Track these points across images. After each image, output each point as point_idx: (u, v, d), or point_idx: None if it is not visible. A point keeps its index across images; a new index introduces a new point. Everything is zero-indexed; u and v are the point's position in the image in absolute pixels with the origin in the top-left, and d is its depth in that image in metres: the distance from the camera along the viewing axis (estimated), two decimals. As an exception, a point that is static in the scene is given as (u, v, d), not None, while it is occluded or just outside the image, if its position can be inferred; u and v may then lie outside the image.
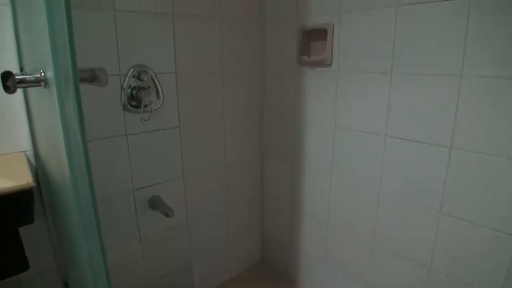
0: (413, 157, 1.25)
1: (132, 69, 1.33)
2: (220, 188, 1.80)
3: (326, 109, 1.52)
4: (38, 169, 1.21)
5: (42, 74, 0.63)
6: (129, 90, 1.34)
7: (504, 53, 0.98)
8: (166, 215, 1.41)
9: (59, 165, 0.72)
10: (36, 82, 0.64)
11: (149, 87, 1.36)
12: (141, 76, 1.35)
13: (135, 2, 1.31)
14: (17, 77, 0.62)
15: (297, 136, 1.70)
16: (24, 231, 1.00)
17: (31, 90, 1.01)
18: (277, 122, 1.81)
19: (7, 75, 0.61)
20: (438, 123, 1.16)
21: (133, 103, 1.35)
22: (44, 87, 0.64)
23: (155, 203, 1.48)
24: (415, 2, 1.16)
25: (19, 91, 1.04)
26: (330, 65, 1.46)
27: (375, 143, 1.36)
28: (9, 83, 0.61)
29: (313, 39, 1.55)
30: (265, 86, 1.83)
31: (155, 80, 1.39)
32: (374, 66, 1.31)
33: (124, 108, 1.34)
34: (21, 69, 1.15)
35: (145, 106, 1.34)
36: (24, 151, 1.20)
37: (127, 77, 1.32)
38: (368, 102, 1.35)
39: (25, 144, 1.21)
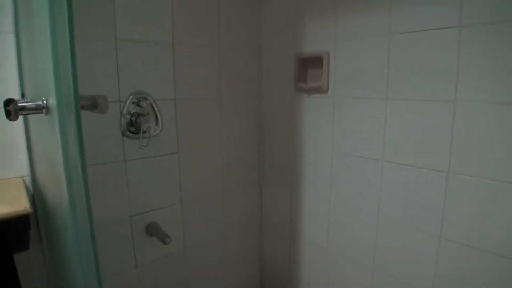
0: (411, 182, 1.25)
1: (131, 96, 1.35)
2: (218, 214, 1.79)
3: (323, 134, 1.54)
4: (35, 195, 1.20)
5: (44, 101, 0.64)
6: (129, 117, 1.36)
7: (496, 79, 1.01)
8: (164, 242, 1.40)
9: (57, 191, 0.72)
10: (38, 109, 0.65)
11: (148, 113, 1.38)
12: (141, 102, 1.36)
13: (136, 31, 1.35)
14: (19, 104, 0.63)
15: (295, 161, 1.71)
16: (19, 258, 0.99)
17: (32, 116, 1.02)
18: (275, 148, 1.82)
19: (10, 102, 0.62)
20: (435, 148, 1.17)
21: (132, 129, 1.37)
22: (46, 114, 0.65)
23: (152, 230, 1.46)
24: (407, 31, 1.20)
25: (20, 117, 1.06)
26: (326, 91, 1.49)
27: (373, 168, 1.37)
28: (11, 110, 0.62)
29: (310, 66, 1.58)
30: (263, 112, 1.85)
31: (154, 106, 1.41)
32: (369, 92, 1.34)
33: (123, 134, 1.35)
34: (22, 95, 1.16)
35: (144, 132, 1.35)
36: (22, 177, 1.20)
37: (127, 104, 1.34)
38: (365, 127, 1.37)
39: (23, 169, 1.21)
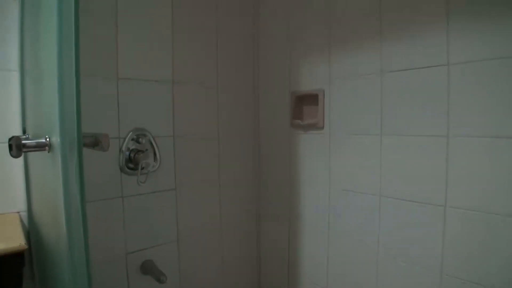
0: (409, 217, 1.25)
1: (131, 133, 1.37)
2: (216, 251, 1.76)
3: (320, 170, 1.55)
4: (31, 231, 1.19)
5: (48, 139, 0.66)
6: (127, 153, 1.37)
7: (487, 114, 1.04)
8: (159, 280, 1.37)
9: (55, 228, 0.72)
10: (41, 147, 0.66)
11: (147, 150, 1.40)
12: (140, 139, 1.39)
13: (137, 71, 1.40)
14: (23, 141, 0.65)
15: (293, 197, 1.71)
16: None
17: (33, 153, 1.03)
18: (273, 183, 1.83)
19: (14, 139, 0.64)
20: (431, 182, 1.19)
21: (131, 165, 1.38)
22: (48, 151, 0.66)
23: (147, 268, 1.43)
24: (398, 70, 1.25)
25: (20, 153, 1.07)
26: (322, 128, 1.52)
27: (371, 203, 1.37)
28: (15, 148, 0.64)
29: (306, 103, 1.63)
30: (261, 148, 1.87)
31: (153, 143, 1.43)
32: (364, 128, 1.37)
33: (122, 170, 1.36)
34: (24, 131, 1.19)
35: (142, 168, 1.36)
36: (18, 212, 1.20)
37: (126, 140, 1.36)
38: (361, 163, 1.39)
39: (20, 205, 1.21)
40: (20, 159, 1.19)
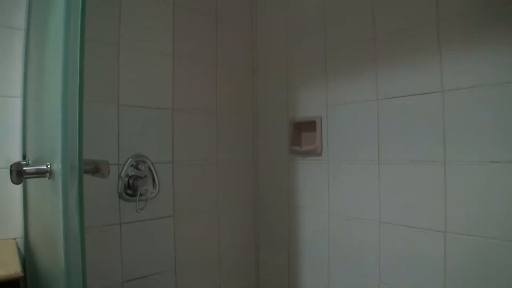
0: (410, 243, 1.24)
1: (130, 159, 1.38)
2: (214, 280, 1.73)
3: (319, 197, 1.55)
4: (27, 258, 1.18)
5: (49, 166, 0.66)
6: (126, 179, 1.37)
7: (482, 139, 1.06)
8: (155, 310, 1.34)
9: (52, 255, 0.71)
10: (41, 173, 0.67)
11: (146, 176, 1.40)
12: (139, 165, 1.39)
13: (138, 97, 1.42)
14: (24, 168, 0.66)
15: (292, 224, 1.70)
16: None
17: (32, 179, 1.03)
18: (271, 211, 1.82)
19: (16, 166, 0.65)
20: (430, 208, 1.18)
21: (129, 191, 1.38)
22: (49, 178, 0.67)
23: (144, 297, 1.41)
24: (394, 96, 1.28)
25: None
26: (320, 154, 1.53)
27: (370, 230, 1.36)
28: (16, 175, 0.65)
29: (304, 130, 1.64)
30: (259, 175, 1.88)
31: (152, 169, 1.44)
32: (362, 154, 1.38)
33: (120, 197, 1.36)
34: (24, 156, 1.19)
35: (141, 195, 1.36)
36: (14, 238, 1.19)
37: (125, 166, 1.37)
38: (360, 189, 1.39)
39: (17, 231, 1.19)
40: (19, 186, 1.19)
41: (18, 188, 1.20)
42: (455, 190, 1.12)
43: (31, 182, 1.07)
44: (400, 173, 1.26)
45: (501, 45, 1.03)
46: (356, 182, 1.40)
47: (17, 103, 1.22)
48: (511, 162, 1.00)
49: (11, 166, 0.65)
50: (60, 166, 0.58)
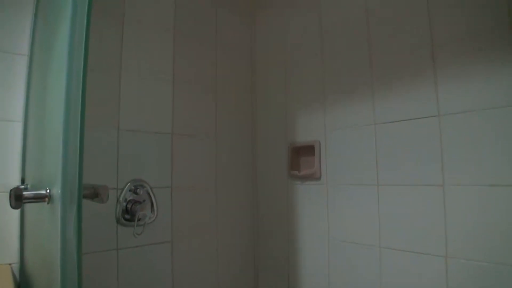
0: (411, 268, 1.23)
1: (129, 183, 1.38)
2: (211, 308, 1.69)
3: (319, 221, 1.54)
4: (22, 284, 1.15)
5: (48, 190, 0.66)
6: (124, 204, 1.37)
7: (480, 162, 1.07)
8: None
9: (48, 281, 0.70)
10: (40, 198, 0.67)
11: (144, 200, 1.39)
12: (138, 190, 1.39)
13: (138, 122, 1.44)
14: (24, 192, 0.66)
15: (291, 250, 1.67)
16: None
17: (30, 204, 1.03)
18: (270, 235, 1.80)
19: (15, 191, 0.65)
20: (430, 232, 1.18)
21: (127, 216, 1.36)
22: (48, 203, 0.67)
23: (140, 326, 1.37)
24: (391, 121, 1.29)
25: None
26: (319, 179, 1.53)
27: (371, 255, 1.34)
28: (15, 199, 0.64)
29: (302, 154, 1.65)
30: (258, 199, 1.87)
31: (151, 194, 1.43)
32: (360, 178, 1.38)
33: (118, 222, 1.35)
34: (23, 180, 1.19)
35: (139, 220, 1.35)
36: (10, 264, 1.16)
37: (124, 191, 1.36)
38: (359, 213, 1.38)
39: (13, 256, 1.17)
40: (16, 211, 1.18)
41: (15, 212, 1.19)
42: (455, 214, 1.12)
43: (29, 207, 1.07)
44: (399, 197, 1.26)
45: (495, 69, 1.05)
46: (356, 206, 1.40)
47: (18, 127, 1.23)
48: (510, 186, 1.01)
49: (10, 190, 0.65)
50: (59, 191, 0.59)
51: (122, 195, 1.36)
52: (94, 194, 0.71)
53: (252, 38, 1.96)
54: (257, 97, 1.92)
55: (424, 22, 1.22)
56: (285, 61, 1.76)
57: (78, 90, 0.61)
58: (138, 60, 1.47)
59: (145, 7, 1.52)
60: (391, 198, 1.29)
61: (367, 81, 1.38)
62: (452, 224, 1.13)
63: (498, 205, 1.03)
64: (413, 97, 1.24)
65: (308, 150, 1.59)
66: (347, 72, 1.46)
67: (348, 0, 1.49)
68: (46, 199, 0.66)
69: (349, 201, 1.42)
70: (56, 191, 0.62)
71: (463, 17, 1.13)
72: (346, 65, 1.47)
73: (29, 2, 1.27)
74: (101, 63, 1.35)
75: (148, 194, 1.43)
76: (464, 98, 1.11)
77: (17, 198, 0.65)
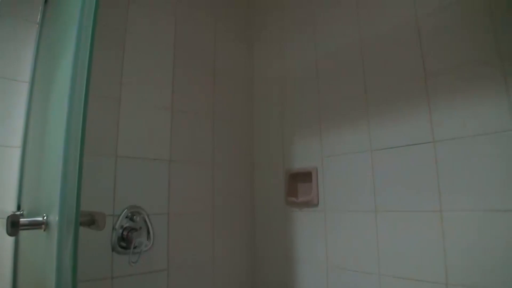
0: (410, 299, 1.21)
1: (125, 210, 1.37)
2: None
3: (317, 248, 1.52)
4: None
5: (45, 217, 0.66)
6: (120, 231, 1.35)
7: (476, 188, 1.07)
8: None
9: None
10: (37, 225, 0.66)
11: (140, 228, 1.38)
12: (134, 217, 1.38)
13: (136, 149, 1.44)
14: (21, 219, 0.65)
15: (290, 277, 1.64)
16: None
17: (25, 231, 1.02)
18: (268, 263, 1.77)
19: (13, 218, 0.64)
20: (430, 259, 1.16)
21: (123, 244, 1.35)
22: (44, 230, 0.66)
23: None
24: (387, 147, 1.31)
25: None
26: (317, 205, 1.53)
27: (370, 283, 1.32)
28: (12, 226, 0.64)
29: (300, 181, 1.65)
30: (256, 226, 1.85)
31: (147, 221, 1.42)
32: (358, 205, 1.38)
33: (113, 249, 1.33)
34: (18, 207, 1.18)
35: (135, 247, 1.33)
36: (2, 293, 1.14)
37: (120, 218, 1.35)
38: (358, 240, 1.37)
39: (6, 283, 1.15)
40: (11, 239, 1.17)
41: (9, 240, 1.17)
42: (454, 240, 1.11)
43: (23, 234, 1.06)
44: (398, 223, 1.26)
45: (486, 97, 1.08)
46: (354, 233, 1.39)
47: (16, 153, 1.24)
48: (508, 211, 1.01)
49: (7, 217, 0.65)
50: (57, 218, 0.59)
51: (118, 222, 1.35)
52: (91, 221, 0.71)
53: (250, 68, 2.01)
54: (254, 124, 1.94)
55: (417, 53, 1.26)
56: (282, 88, 1.80)
57: (79, 119, 0.62)
58: (137, 88, 1.50)
59: (146, 37, 1.57)
60: (389, 225, 1.29)
61: (362, 108, 1.41)
62: (452, 250, 1.12)
63: (496, 230, 1.03)
64: (408, 124, 1.26)
65: (306, 176, 1.60)
66: (342, 100, 1.49)
67: (342, 31, 1.54)
68: (43, 226, 0.66)
69: (348, 227, 1.42)
70: (53, 218, 0.62)
71: (453, 48, 1.17)
72: (341, 93, 1.50)
73: (32, 32, 1.31)
74: (101, 91, 1.38)
75: (145, 221, 1.41)
76: (457, 125, 1.13)
77: (14, 225, 0.64)
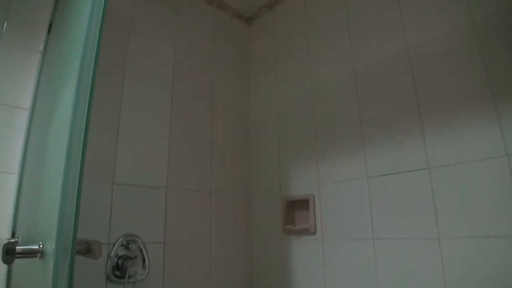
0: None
1: (121, 238, 1.35)
2: None
3: (315, 277, 1.50)
4: None
5: (41, 246, 0.66)
6: (115, 259, 1.33)
7: (473, 214, 1.08)
8: None
9: None
10: (33, 253, 0.66)
11: (136, 256, 1.36)
12: (130, 245, 1.36)
13: (133, 176, 1.44)
14: (17, 247, 0.65)
15: (287, 309, 1.61)
16: None
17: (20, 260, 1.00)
18: (265, 293, 1.74)
19: (8, 246, 0.64)
20: (429, 286, 1.15)
21: (118, 273, 1.32)
22: (39, 259, 0.65)
23: None
24: (383, 174, 1.32)
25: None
26: (314, 233, 1.52)
27: (368, 315, 1.30)
28: (7, 254, 0.63)
29: (297, 208, 1.65)
30: (253, 255, 1.82)
31: (143, 249, 1.40)
32: (356, 232, 1.37)
33: (107, 278, 1.30)
34: (13, 234, 1.16)
35: (130, 277, 1.30)
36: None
37: (116, 246, 1.33)
38: (356, 268, 1.35)
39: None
40: (4, 267, 1.14)
41: (2, 266, 1.15)
42: (453, 267, 1.11)
43: (17, 262, 1.04)
44: (396, 250, 1.25)
45: (478, 124, 1.11)
46: (352, 261, 1.37)
47: (13, 180, 1.23)
48: (504, 237, 1.01)
49: (3, 245, 0.64)
50: (53, 247, 0.58)
51: (113, 251, 1.32)
52: (87, 249, 0.70)
53: (246, 97, 2.05)
54: (251, 152, 1.95)
55: (409, 82, 1.30)
56: (278, 116, 1.83)
57: (79, 147, 0.63)
58: (136, 115, 1.51)
59: (145, 66, 1.60)
60: (387, 252, 1.27)
61: (357, 135, 1.43)
62: (451, 277, 1.11)
63: (494, 256, 1.03)
64: (403, 151, 1.28)
65: (303, 204, 1.59)
66: (338, 127, 1.51)
67: (336, 61, 1.58)
68: (38, 254, 0.65)
69: (346, 255, 1.40)
70: (50, 247, 0.61)
71: (444, 77, 1.21)
72: (336, 121, 1.53)
73: (35, 60, 1.33)
74: (100, 119, 1.39)
75: (140, 249, 1.39)
76: (451, 151, 1.16)
77: (9, 253, 0.64)
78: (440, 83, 1.22)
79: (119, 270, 1.32)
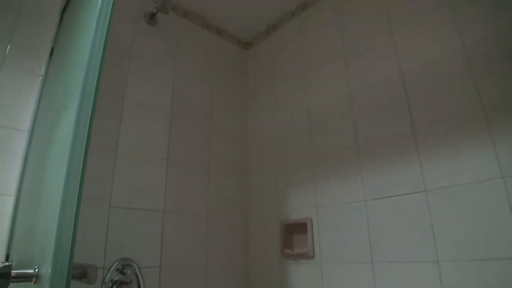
0: None
1: (116, 263, 1.33)
2: None
3: (313, 303, 1.47)
4: None
5: (36, 270, 0.65)
6: (110, 284, 1.30)
7: (470, 236, 1.07)
8: None
9: None
10: (28, 277, 0.65)
11: (131, 281, 1.33)
12: (125, 270, 1.33)
13: (130, 199, 1.44)
14: (13, 271, 0.64)
15: (285, 336, 1.57)
16: None
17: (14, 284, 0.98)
18: (262, 319, 1.70)
19: (5, 270, 0.63)
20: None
21: (112, 299, 1.30)
22: (34, 283, 0.65)
23: None
24: (380, 197, 1.32)
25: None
26: (313, 257, 1.50)
27: None
28: (4, 279, 0.63)
29: (295, 232, 1.63)
30: (250, 279, 1.79)
31: (138, 274, 1.37)
32: (354, 256, 1.36)
33: (102, 305, 1.27)
34: (7, 257, 1.14)
35: (124, 302, 1.28)
36: None
37: (111, 271, 1.31)
38: (355, 295, 1.33)
39: None
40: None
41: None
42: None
43: (12, 286, 1.02)
44: (395, 274, 1.24)
45: (474, 147, 1.12)
46: (352, 285, 1.35)
47: (9, 202, 1.22)
48: (503, 259, 1.00)
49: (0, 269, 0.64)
50: (49, 271, 0.58)
51: (108, 276, 1.30)
52: (83, 274, 0.69)
53: (244, 120, 2.07)
54: (248, 175, 1.95)
55: (404, 106, 1.32)
56: (275, 140, 1.84)
57: (78, 172, 0.64)
58: (134, 138, 1.52)
59: (144, 92, 1.63)
60: (387, 276, 1.26)
61: (354, 158, 1.44)
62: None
63: (493, 279, 1.02)
64: (399, 174, 1.28)
65: (301, 227, 1.58)
66: (335, 151, 1.52)
67: (333, 85, 1.61)
68: (34, 278, 0.64)
69: (345, 280, 1.38)
70: (45, 271, 0.60)
71: (438, 102, 1.24)
72: (333, 144, 1.54)
73: (35, 84, 1.34)
74: (97, 141, 1.40)
75: (136, 274, 1.37)
76: (448, 174, 1.16)
77: (4, 277, 0.63)
78: (434, 107, 1.24)
79: (113, 295, 1.30)
